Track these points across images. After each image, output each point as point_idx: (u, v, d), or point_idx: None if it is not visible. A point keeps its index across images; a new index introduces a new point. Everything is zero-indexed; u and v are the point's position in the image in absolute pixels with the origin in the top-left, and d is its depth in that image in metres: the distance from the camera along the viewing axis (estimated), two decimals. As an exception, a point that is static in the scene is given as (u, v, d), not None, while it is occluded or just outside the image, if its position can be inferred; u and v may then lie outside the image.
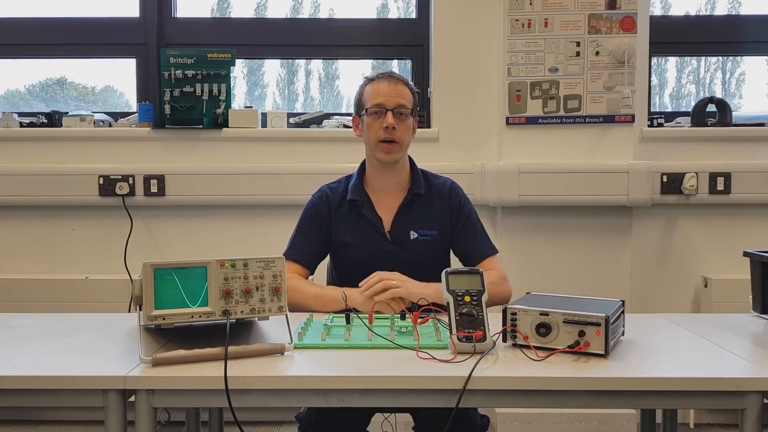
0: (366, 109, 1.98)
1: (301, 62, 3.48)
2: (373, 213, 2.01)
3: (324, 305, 1.83)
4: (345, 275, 2.02)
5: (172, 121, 3.03)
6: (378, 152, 1.97)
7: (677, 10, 3.36)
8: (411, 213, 2.02)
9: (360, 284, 1.84)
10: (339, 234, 2.02)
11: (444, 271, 1.51)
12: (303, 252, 2.00)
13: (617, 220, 2.91)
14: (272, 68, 3.50)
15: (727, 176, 2.99)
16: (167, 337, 1.48)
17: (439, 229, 2.03)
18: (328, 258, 2.11)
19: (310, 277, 2.03)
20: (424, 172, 2.10)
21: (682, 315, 2.33)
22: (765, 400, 1.29)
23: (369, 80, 2.03)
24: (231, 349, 1.34)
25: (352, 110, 2.10)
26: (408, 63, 3.30)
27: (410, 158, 2.08)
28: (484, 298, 1.46)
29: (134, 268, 2.99)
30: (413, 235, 2.01)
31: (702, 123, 3.08)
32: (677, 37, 3.25)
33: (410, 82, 2.05)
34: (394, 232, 2.01)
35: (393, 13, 3.40)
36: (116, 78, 3.50)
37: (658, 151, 3.00)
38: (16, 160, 3.06)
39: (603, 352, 1.39)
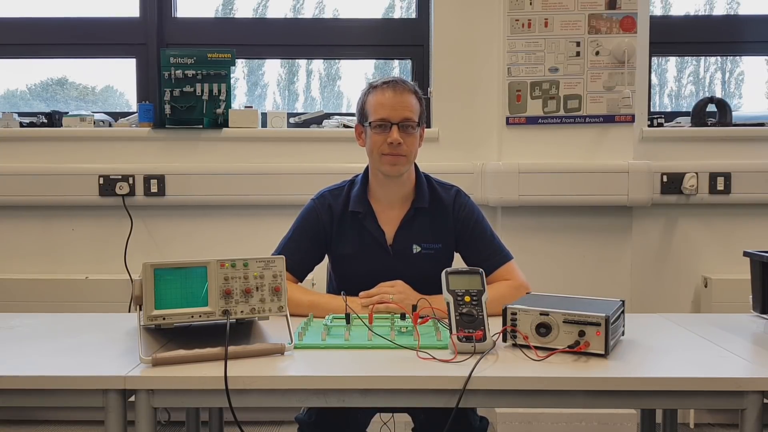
0: (369, 123, 1.88)
1: (302, 62, 3.47)
2: (375, 226, 1.94)
3: (319, 314, 1.75)
4: (345, 286, 1.90)
5: (172, 121, 3.03)
6: (383, 165, 1.88)
7: (677, 10, 3.36)
8: (414, 226, 1.94)
9: (360, 294, 1.81)
10: (339, 245, 1.95)
11: (444, 271, 1.51)
12: (294, 259, 1.84)
13: (617, 220, 2.90)
14: (272, 68, 3.50)
15: (727, 176, 2.99)
16: (167, 337, 1.48)
17: (443, 242, 1.95)
18: (328, 265, 2.08)
19: (314, 286, 1.98)
20: (430, 180, 2.01)
21: (682, 315, 2.33)
22: (765, 400, 1.30)
23: (372, 88, 1.91)
24: (231, 349, 1.34)
25: (352, 110, 2.08)
26: (408, 63, 3.30)
27: (416, 166, 1.98)
28: (484, 298, 1.46)
29: (134, 268, 2.99)
30: (416, 248, 1.93)
31: (702, 123, 3.08)
32: (677, 37, 3.25)
33: (417, 89, 1.94)
34: (396, 246, 1.93)
35: (396, 14, 3.40)
36: (116, 78, 3.51)
37: (658, 151, 3.00)
38: (16, 160, 3.06)
39: (603, 352, 1.39)
